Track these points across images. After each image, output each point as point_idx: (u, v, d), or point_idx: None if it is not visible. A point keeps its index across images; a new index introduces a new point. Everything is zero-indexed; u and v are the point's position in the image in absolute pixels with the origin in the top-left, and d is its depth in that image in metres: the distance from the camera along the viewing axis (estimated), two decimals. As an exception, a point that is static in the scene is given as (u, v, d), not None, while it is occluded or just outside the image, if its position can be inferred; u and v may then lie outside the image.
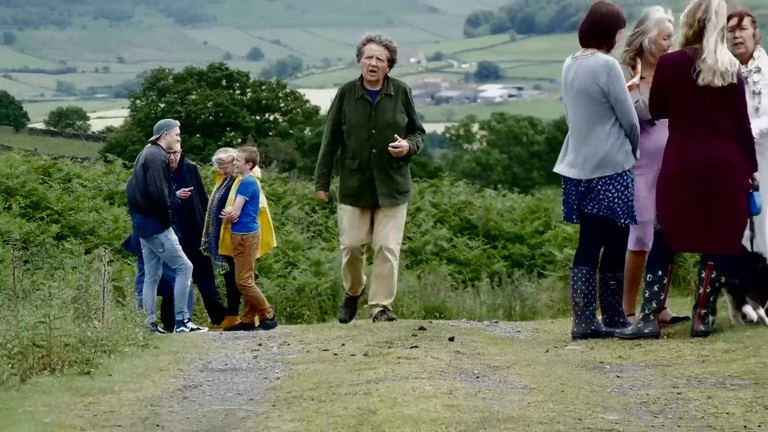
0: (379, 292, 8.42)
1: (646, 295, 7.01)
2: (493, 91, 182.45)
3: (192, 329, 10.19)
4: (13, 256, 9.70)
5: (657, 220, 7.06)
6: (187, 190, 10.81)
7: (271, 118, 56.43)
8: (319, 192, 8.60)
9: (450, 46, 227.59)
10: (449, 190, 20.75)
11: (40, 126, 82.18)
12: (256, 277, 11.73)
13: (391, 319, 8.42)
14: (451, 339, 7.15)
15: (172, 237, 10.26)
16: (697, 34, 6.85)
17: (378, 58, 8.29)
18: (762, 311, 7.10)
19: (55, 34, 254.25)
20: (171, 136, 10.44)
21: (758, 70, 7.38)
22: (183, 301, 10.31)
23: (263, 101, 55.11)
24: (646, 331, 6.99)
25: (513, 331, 8.21)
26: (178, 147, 10.67)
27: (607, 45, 7.13)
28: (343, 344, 7.07)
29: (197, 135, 51.49)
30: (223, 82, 55.47)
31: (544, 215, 18.66)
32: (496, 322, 9.53)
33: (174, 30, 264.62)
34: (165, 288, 10.59)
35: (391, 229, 8.36)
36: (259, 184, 10.81)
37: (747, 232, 7.07)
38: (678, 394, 5.34)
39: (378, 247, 8.37)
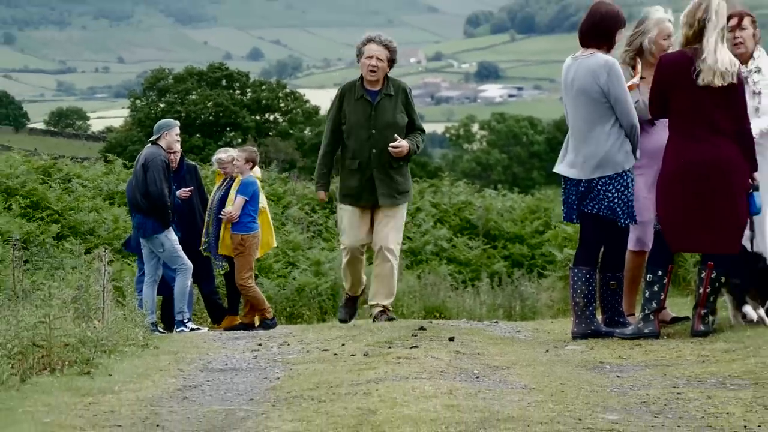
0: (379, 292, 8.42)
1: (646, 295, 7.01)
2: (493, 91, 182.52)
3: (192, 329, 10.19)
4: (13, 256, 9.71)
5: (657, 220, 7.07)
6: (187, 190, 10.81)
7: (271, 118, 56.47)
8: (319, 192, 8.61)
9: (450, 46, 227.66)
10: (449, 190, 20.76)
11: (40, 126, 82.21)
12: (256, 277, 11.74)
13: (391, 319, 8.42)
14: (451, 339, 7.16)
15: (172, 237, 10.27)
16: (697, 34, 6.85)
17: (378, 58, 8.29)
18: (762, 311, 7.11)
19: (55, 34, 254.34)
20: (171, 136, 10.45)
21: (758, 70, 7.39)
22: (183, 301, 10.32)
23: (263, 101, 55.14)
24: (646, 331, 6.99)
25: (513, 331, 8.22)
26: (178, 147, 10.68)
27: (607, 45, 7.13)
28: (343, 344, 7.08)
29: (197, 135, 51.53)
30: (223, 82, 55.51)
31: (544, 215, 18.68)
32: (496, 322, 9.54)
33: (174, 30, 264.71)
34: (165, 288, 10.60)
35: (391, 230, 8.37)
36: (259, 184, 10.81)
37: (747, 232, 7.07)
38: (678, 394, 5.34)
39: (378, 247, 8.37)
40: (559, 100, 7.98)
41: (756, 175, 6.95)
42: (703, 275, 6.95)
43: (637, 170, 7.23)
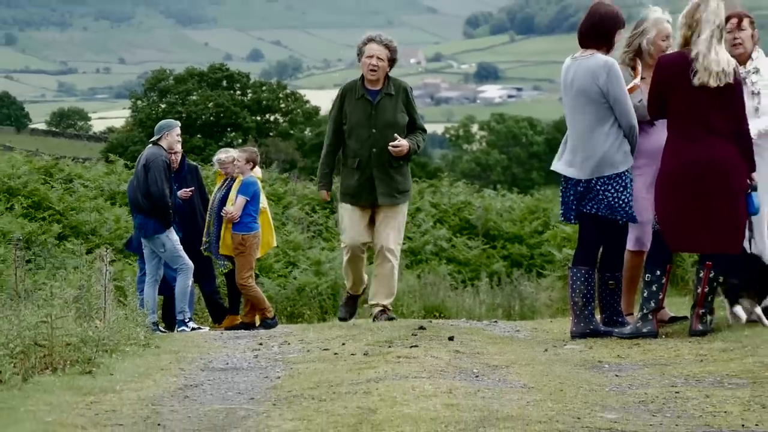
0: (379, 291, 8.45)
1: (645, 294, 7.03)
2: (492, 91, 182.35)
3: (193, 329, 10.22)
4: (15, 256, 9.74)
5: (656, 220, 7.09)
6: (188, 190, 10.84)
7: (272, 118, 56.48)
8: (321, 191, 8.65)
9: (449, 47, 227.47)
10: (449, 190, 20.78)
11: (42, 126, 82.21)
12: (257, 276, 11.76)
13: (391, 319, 8.44)
14: (451, 338, 7.18)
15: (173, 237, 10.30)
16: (695, 35, 6.87)
17: (378, 58, 8.32)
18: (759, 310, 7.13)
19: (56, 35, 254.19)
20: (172, 137, 10.47)
21: (756, 71, 7.41)
22: (184, 301, 10.34)
23: (264, 102, 55.15)
24: (644, 330, 7.01)
25: (512, 330, 8.23)
26: (179, 147, 10.71)
27: (606, 46, 7.15)
28: (343, 343, 7.10)
29: (198, 135, 51.55)
30: (224, 83, 55.52)
31: (543, 215, 18.70)
32: (496, 321, 9.55)
33: (174, 31, 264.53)
34: (166, 288, 10.62)
35: (392, 230, 8.39)
36: (259, 184, 10.84)
37: (746, 233, 7.09)
38: (676, 393, 5.36)
39: (379, 247, 8.39)
40: (559, 101, 8.02)
41: (754, 175, 6.97)
42: (701, 275, 6.97)
43: (636, 170, 7.24)
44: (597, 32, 7.13)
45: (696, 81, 6.81)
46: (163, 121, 10.80)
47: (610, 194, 7.10)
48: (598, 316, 7.32)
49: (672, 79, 6.89)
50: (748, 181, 6.94)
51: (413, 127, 8.45)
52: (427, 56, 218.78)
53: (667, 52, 7.17)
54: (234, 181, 10.77)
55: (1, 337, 6.04)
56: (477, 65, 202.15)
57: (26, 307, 7.45)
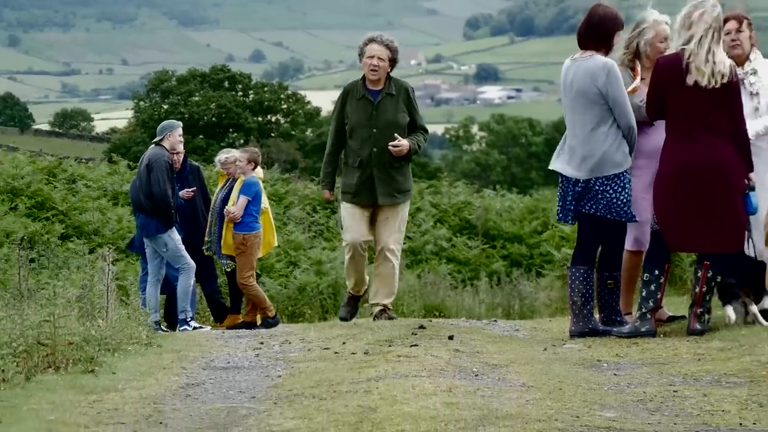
0: (380, 291, 8.47)
1: (643, 294, 7.05)
2: (492, 92, 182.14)
3: (195, 328, 10.25)
4: (19, 256, 9.79)
5: (654, 220, 7.12)
6: (190, 190, 10.89)
7: (273, 119, 56.52)
8: (324, 191, 8.69)
9: (450, 49, 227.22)
10: (448, 190, 20.82)
11: (45, 127, 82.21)
12: (259, 276, 11.79)
13: (391, 318, 8.46)
14: (451, 337, 7.20)
15: (175, 237, 10.33)
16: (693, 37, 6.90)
17: (379, 58, 8.34)
18: (755, 308, 7.15)
19: (59, 36, 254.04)
20: (174, 137, 10.51)
21: (754, 72, 7.44)
22: (186, 300, 10.38)
23: (265, 103, 55.18)
24: (642, 329, 7.03)
25: (511, 329, 8.24)
26: (181, 147, 10.74)
27: (605, 47, 7.17)
28: (344, 343, 7.12)
29: (200, 136, 51.62)
30: (226, 84, 55.56)
31: (543, 215, 18.72)
32: (495, 320, 9.58)
33: (177, 32, 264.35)
34: (168, 287, 10.66)
35: (392, 229, 8.41)
36: (261, 184, 10.88)
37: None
38: (674, 391, 5.38)
39: (380, 247, 8.41)
40: (558, 102, 8.05)
41: (752, 175, 7.00)
42: (699, 274, 6.99)
43: (635, 171, 7.27)
44: (596, 34, 7.16)
45: (689, 80, 6.83)
46: (164, 122, 10.84)
47: (608, 194, 7.12)
48: (596, 316, 7.35)
49: (670, 80, 6.92)
50: (746, 181, 6.97)
51: (414, 127, 8.47)
52: (427, 57, 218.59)
53: (665, 54, 7.20)
54: (236, 182, 10.81)
55: (5, 336, 6.04)
56: (477, 66, 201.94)
57: (29, 306, 7.48)
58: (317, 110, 57.34)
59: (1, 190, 16.09)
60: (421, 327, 7.69)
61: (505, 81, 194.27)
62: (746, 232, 7.08)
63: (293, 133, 54.24)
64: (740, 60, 7.37)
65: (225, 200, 10.78)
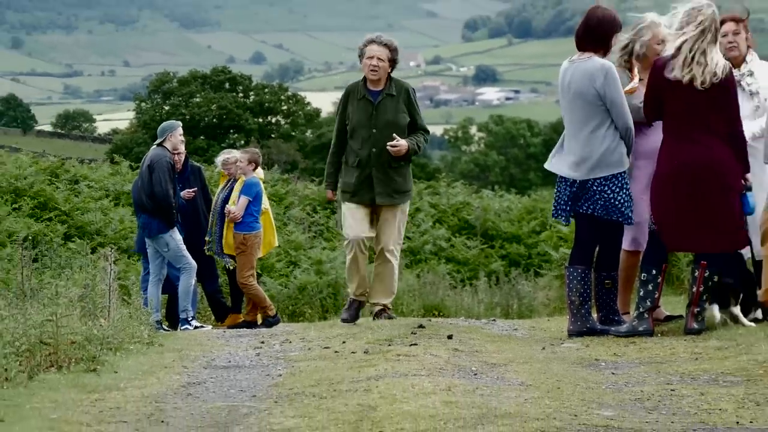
0: (380, 291, 8.50)
1: (641, 293, 7.07)
2: (490, 94, 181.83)
3: (196, 327, 10.28)
4: (22, 256, 9.81)
5: (652, 220, 7.15)
6: (191, 191, 10.93)
7: (274, 120, 56.49)
8: (328, 191, 8.74)
9: (449, 50, 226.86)
10: (447, 190, 20.84)
11: (48, 128, 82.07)
12: (259, 275, 11.83)
13: (390, 318, 8.49)
14: (450, 337, 7.23)
15: (176, 237, 10.37)
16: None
17: (379, 58, 8.37)
18: (737, 309, 7.17)
19: (62, 38, 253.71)
20: (175, 137, 10.54)
21: (751, 74, 7.48)
22: (187, 300, 10.42)
23: (266, 104, 55.15)
24: (640, 329, 7.06)
25: (510, 329, 8.26)
26: (183, 147, 10.78)
27: (603, 49, 7.20)
28: (343, 342, 7.14)
29: (201, 137, 51.58)
30: (227, 85, 55.52)
31: (541, 215, 18.73)
32: (494, 320, 9.61)
33: (178, 34, 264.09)
34: (169, 287, 10.70)
35: (392, 230, 8.43)
36: (261, 184, 10.92)
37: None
38: (672, 390, 5.40)
39: (379, 248, 8.44)
40: (556, 103, 8.08)
41: (748, 176, 7.03)
42: (696, 274, 7.02)
43: (633, 171, 7.30)
44: (594, 36, 7.19)
45: (683, 79, 6.84)
46: (164, 123, 10.87)
47: (606, 195, 7.15)
48: (594, 315, 7.38)
49: (667, 81, 6.95)
50: (743, 181, 7.01)
51: (415, 128, 8.48)
52: (426, 59, 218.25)
53: (662, 55, 7.23)
54: (236, 182, 10.85)
55: (7, 336, 6.05)
56: (475, 68, 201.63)
57: (32, 305, 7.50)
58: (317, 111, 57.33)
59: (5, 191, 16.12)
60: (421, 326, 7.72)
61: (503, 82, 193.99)
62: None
63: (293, 134, 54.22)
64: (737, 62, 7.41)
65: (226, 200, 10.82)
